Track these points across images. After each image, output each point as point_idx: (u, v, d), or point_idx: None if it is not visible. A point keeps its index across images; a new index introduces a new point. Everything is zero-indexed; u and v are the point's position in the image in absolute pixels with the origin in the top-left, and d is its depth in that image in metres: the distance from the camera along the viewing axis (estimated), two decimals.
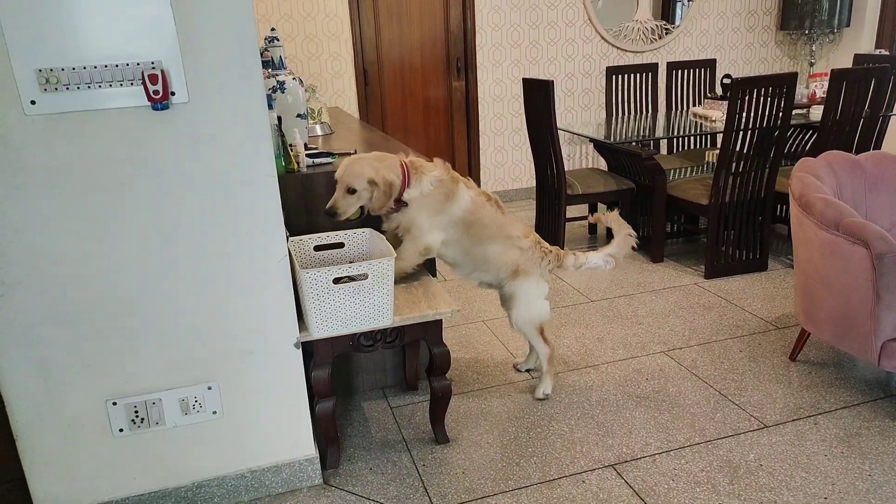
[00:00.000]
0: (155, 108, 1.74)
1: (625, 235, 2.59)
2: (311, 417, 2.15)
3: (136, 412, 1.93)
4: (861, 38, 5.54)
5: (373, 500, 2.10)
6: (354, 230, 2.33)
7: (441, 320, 2.25)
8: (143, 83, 1.70)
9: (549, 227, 4.31)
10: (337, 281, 2.02)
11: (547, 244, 2.55)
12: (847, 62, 5.36)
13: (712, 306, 3.39)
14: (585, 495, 2.09)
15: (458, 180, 2.40)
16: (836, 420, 2.41)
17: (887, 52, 5.28)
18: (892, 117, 4.25)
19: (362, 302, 2.06)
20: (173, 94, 1.74)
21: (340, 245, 2.32)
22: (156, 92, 1.73)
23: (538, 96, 4.01)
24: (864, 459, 2.20)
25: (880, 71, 3.87)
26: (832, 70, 3.77)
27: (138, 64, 1.70)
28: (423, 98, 5.26)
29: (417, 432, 2.44)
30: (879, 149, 4.20)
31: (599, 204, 4.52)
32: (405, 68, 5.15)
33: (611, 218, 2.65)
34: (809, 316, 2.67)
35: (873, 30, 5.52)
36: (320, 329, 2.04)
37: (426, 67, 5.20)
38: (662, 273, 3.86)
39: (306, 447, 2.15)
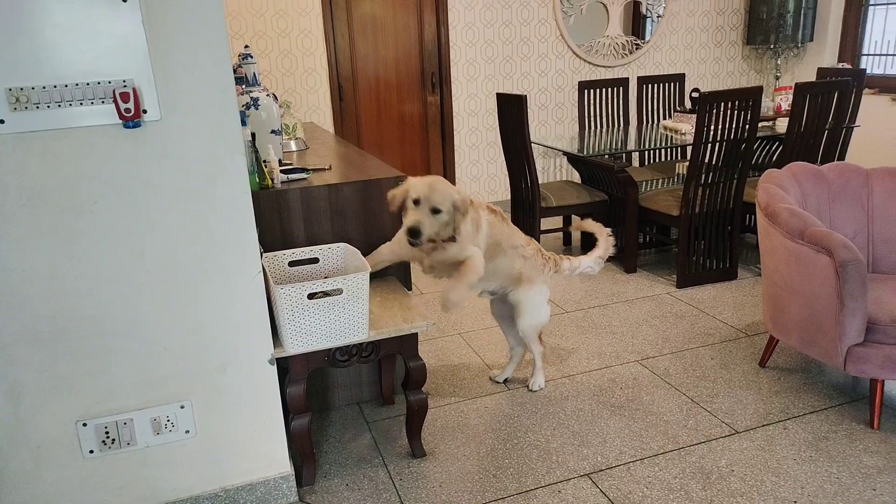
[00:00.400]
0: (127, 126, 1.74)
1: (605, 237, 2.74)
2: (287, 434, 2.15)
3: (107, 433, 1.91)
4: (824, 53, 5.71)
5: None
6: (329, 245, 2.34)
7: (417, 334, 2.27)
8: (115, 101, 1.70)
9: None
10: (312, 296, 2.03)
11: (546, 251, 2.63)
12: (811, 75, 5.51)
13: (684, 315, 3.45)
14: None
15: (477, 207, 2.45)
16: (805, 424, 2.47)
17: (849, 66, 5.44)
18: (855, 129, 4.37)
19: (337, 317, 2.07)
20: (145, 111, 1.75)
21: (315, 260, 2.33)
22: (127, 110, 1.73)
23: (512, 110, 4.06)
24: (832, 462, 2.25)
25: (842, 84, 4.00)
26: (796, 83, 3.88)
27: (109, 82, 1.70)
28: (398, 113, 5.30)
29: (394, 447, 2.44)
30: (843, 159, 4.31)
31: (573, 216, 4.58)
32: (380, 84, 5.19)
33: (589, 223, 2.81)
34: (777, 323, 2.73)
35: (836, 44, 5.69)
36: (295, 345, 2.04)
37: (401, 83, 5.24)
38: (636, 283, 3.91)
39: (281, 465, 2.14)
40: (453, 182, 5.51)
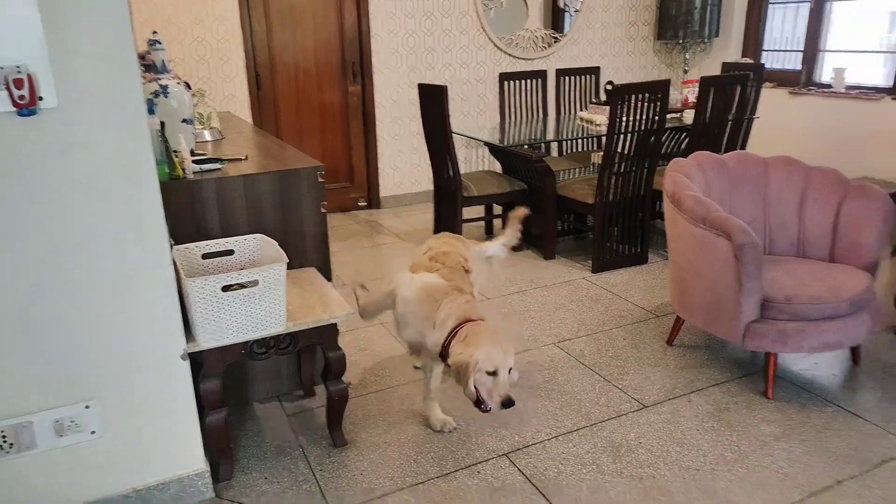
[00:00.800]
0: (21, 114, 1.66)
1: (514, 227, 2.78)
2: (202, 430, 2.11)
3: (4, 437, 1.82)
4: (729, 48, 6.02)
5: None
6: (245, 236, 2.30)
7: (336, 324, 2.27)
8: (8, 88, 1.61)
9: (448, 228, 4.39)
10: (227, 289, 1.99)
11: (457, 283, 2.44)
12: (717, 70, 5.80)
13: (599, 299, 3.58)
14: (480, 485, 2.16)
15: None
16: (707, 397, 2.63)
17: (751, 61, 5.76)
18: (755, 120, 4.64)
19: (253, 309, 2.04)
20: (41, 98, 1.66)
21: (230, 252, 2.29)
22: (21, 97, 1.64)
23: (433, 101, 4.09)
24: (732, 432, 2.41)
25: (742, 77, 4.24)
26: (702, 77, 4.08)
27: (2, 68, 1.61)
28: (318, 102, 5.23)
29: (315, 438, 2.43)
30: (744, 149, 4.58)
31: (495, 205, 4.67)
32: (299, 72, 5.10)
33: (517, 213, 2.82)
34: (683, 304, 2.88)
35: (739, 40, 6.01)
36: (209, 339, 2.01)
37: (321, 72, 5.17)
38: (553, 269, 4.03)
39: (196, 462, 2.10)
40: (376, 173, 5.50)
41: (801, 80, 5.51)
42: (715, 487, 2.13)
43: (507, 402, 2.06)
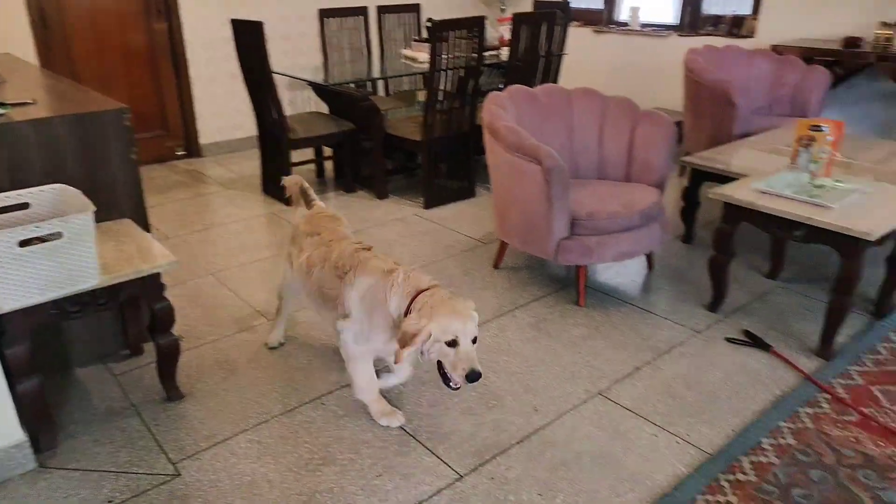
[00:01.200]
0: None
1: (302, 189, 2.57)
2: (14, 400, 1.94)
3: None
4: None
5: (101, 472, 1.99)
6: (42, 187, 2.09)
7: (159, 274, 2.16)
8: None
9: (276, 173, 4.27)
10: (25, 244, 1.82)
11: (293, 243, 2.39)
12: (529, 9, 6.07)
13: (430, 232, 3.73)
14: (326, 414, 2.23)
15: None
16: (529, 311, 2.88)
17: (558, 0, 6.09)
18: (564, 57, 4.96)
19: (59, 264, 1.89)
20: None
21: (25, 206, 2.07)
22: None
23: (250, 39, 3.89)
24: (549, 338, 2.67)
25: (550, 15, 4.49)
26: (514, 14, 4.27)
27: None
28: (120, 43, 4.74)
29: (148, 395, 2.34)
30: (556, 83, 4.89)
31: (324, 148, 4.61)
32: (96, 10, 4.57)
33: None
34: (504, 228, 3.10)
35: None
36: (9, 300, 1.83)
37: (121, 8, 4.67)
38: (386, 208, 4.11)
39: (10, 434, 1.94)
40: (193, 119, 5.16)
41: (604, 19, 5.95)
42: (536, 385, 2.38)
43: (473, 375, 1.86)
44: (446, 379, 1.94)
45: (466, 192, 4.31)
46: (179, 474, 1.98)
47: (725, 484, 1.92)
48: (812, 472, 1.97)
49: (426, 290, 1.98)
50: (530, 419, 2.21)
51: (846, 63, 4.32)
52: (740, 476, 1.95)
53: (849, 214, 2.41)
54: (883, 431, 2.13)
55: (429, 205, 4.13)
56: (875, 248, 2.40)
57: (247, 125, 5.37)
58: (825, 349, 2.54)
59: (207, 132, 5.26)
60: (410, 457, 2.05)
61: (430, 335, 1.87)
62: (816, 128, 2.75)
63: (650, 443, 2.10)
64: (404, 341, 1.89)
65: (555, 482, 1.95)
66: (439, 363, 1.94)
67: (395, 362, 1.94)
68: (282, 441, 2.12)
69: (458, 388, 1.97)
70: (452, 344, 1.88)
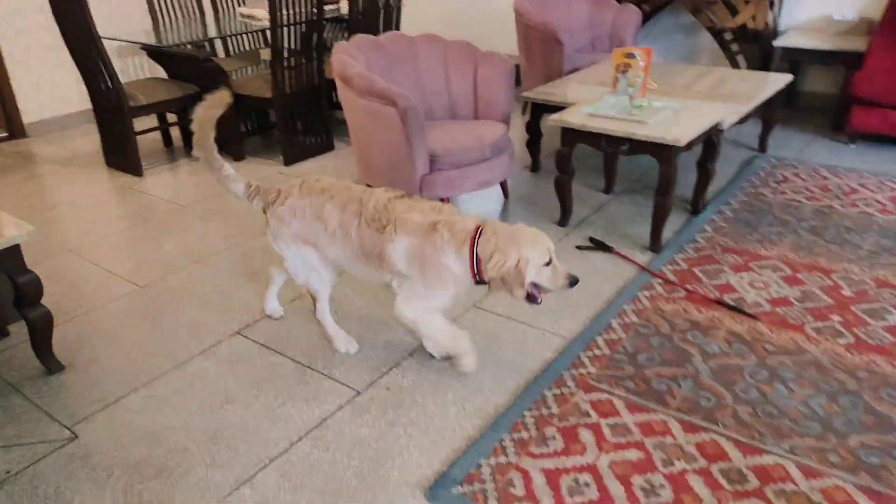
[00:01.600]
0: None
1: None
2: None
3: None
4: None
5: None
6: None
7: (18, 245, 2.08)
8: None
9: (119, 145, 4.07)
10: None
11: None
12: None
13: None
14: (219, 362, 2.29)
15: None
16: None
17: None
18: (403, 7, 5.08)
19: None
20: None
21: None
22: None
23: (67, 4, 3.63)
24: None
25: None
26: None
27: None
28: None
29: (24, 372, 2.26)
30: (398, 30, 5.02)
31: (168, 114, 4.43)
32: None
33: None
34: (368, 172, 3.24)
35: None
36: None
37: None
38: (245, 169, 4.07)
39: None
40: (12, 97, 4.72)
41: None
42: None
43: (575, 280, 2.01)
44: (531, 298, 2.02)
45: (326, 147, 4.36)
46: (77, 436, 1.97)
47: (586, 359, 2.25)
48: (652, 339, 2.35)
49: (477, 229, 2.01)
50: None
51: (652, 0, 4.85)
52: (597, 351, 2.29)
53: (662, 127, 2.82)
54: (704, 301, 2.57)
55: (288, 162, 4.15)
56: (685, 152, 2.84)
57: (76, 99, 4.99)
58: (655, 244, 2.97)
59: (31, 110, 4.83)
60: (310, 384, 2.18)
61: (528, 261, 1.95)
62: (630, 55, 3.14)
63: (521, 338, 2.39)
64: (511, 281, 1.96)
65: (445, 381, 2.18)
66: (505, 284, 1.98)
67: (533, 302, 2.02)
68: (178, 393, 2.16)
69: (541, 303, 2.06)
70: (548, 263, 1.99)
